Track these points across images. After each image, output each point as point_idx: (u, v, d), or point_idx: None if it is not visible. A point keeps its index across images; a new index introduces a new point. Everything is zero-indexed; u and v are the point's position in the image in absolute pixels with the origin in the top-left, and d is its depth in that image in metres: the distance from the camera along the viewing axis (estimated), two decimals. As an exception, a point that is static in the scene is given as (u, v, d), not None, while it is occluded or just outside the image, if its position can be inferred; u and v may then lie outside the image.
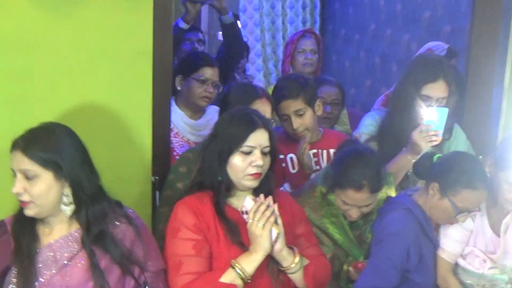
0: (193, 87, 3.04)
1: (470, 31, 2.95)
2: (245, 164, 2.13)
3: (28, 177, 1.92)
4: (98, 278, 1.97)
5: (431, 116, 2.60)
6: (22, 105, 2.36)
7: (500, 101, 3.01)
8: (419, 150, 2.60)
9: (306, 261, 2.23)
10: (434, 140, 2.59)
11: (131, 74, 2.49)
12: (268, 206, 2.09)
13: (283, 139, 2.85)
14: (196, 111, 3.11)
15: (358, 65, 5.41)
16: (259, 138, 2.13)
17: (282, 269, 2.18)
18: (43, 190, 1.93)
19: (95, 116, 2.46)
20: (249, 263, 2.07)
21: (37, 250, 1.99)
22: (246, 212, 2.12)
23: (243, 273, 2.06)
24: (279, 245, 2.12)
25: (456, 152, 2.54)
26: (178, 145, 3.03)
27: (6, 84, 2.34)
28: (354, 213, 2.46)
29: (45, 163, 1.92)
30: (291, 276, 2.20)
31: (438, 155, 2.48)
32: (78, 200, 1.99)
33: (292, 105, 2.77)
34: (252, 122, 2.14)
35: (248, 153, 2.13)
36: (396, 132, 2.74)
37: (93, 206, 2.00)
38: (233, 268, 2.07)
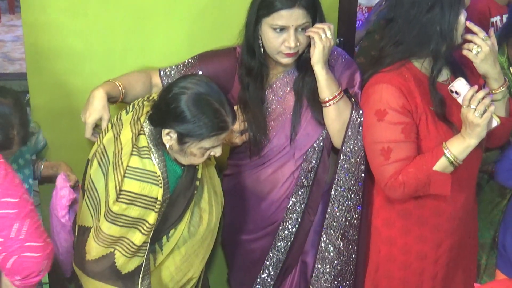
0: None
1: None
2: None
3: (299, 30, 2.06)
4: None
5: None
6: None
7: None
8: None
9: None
10: None
11: None
12: (486, 95, 1.95)
13: None
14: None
15: None
16: None
17: (492, 89, 2.08)
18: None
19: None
20: (462, 150, 1.99)
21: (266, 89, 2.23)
22: (455, 92, 2.01)
23: (455, 161, 2.00)
24: None
25: None
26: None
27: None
28: None
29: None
30: (498, 104, 2.10)
31: None
32: None
33: None
34: None
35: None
36: None
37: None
38: (446, 156, 2.00)
